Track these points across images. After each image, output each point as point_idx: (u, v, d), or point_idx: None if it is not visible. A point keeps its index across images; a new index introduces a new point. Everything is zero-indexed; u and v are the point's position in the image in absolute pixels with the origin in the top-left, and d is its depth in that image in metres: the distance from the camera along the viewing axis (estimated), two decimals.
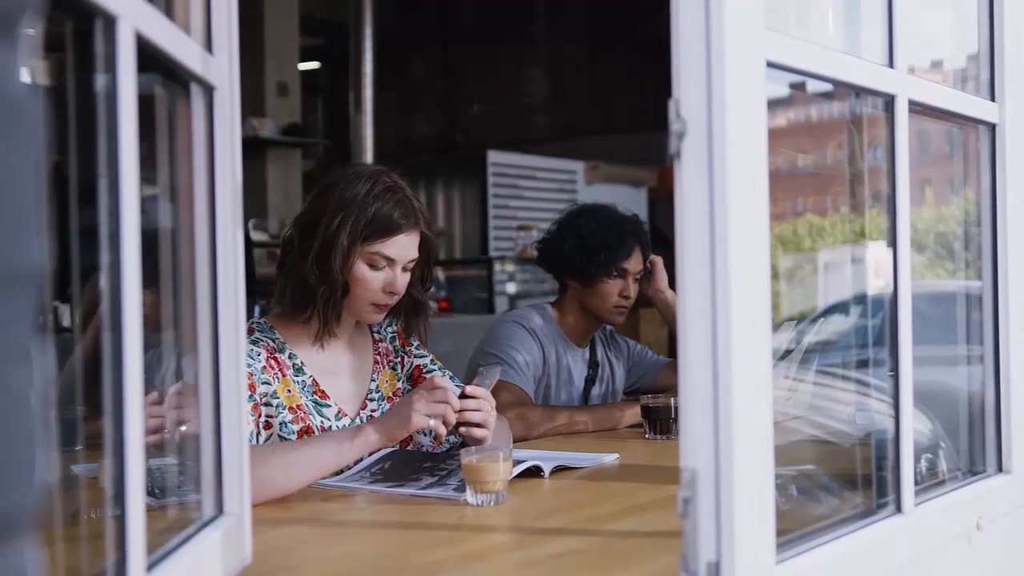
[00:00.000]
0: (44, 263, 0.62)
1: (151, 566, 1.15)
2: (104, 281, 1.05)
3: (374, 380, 2.47)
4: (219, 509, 1.44)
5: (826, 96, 1.83)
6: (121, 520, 1.06)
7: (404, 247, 2.33)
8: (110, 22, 1.05)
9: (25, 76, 0.61)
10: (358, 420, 2.38)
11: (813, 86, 1.65)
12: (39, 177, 0.61)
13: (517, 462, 2.14)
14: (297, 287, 2.32)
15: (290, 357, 2.34)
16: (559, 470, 2.29)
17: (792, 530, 1.40)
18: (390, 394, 2.48)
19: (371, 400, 2.44)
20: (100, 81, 1.07)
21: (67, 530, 1.26)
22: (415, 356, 2.57)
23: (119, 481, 1.05)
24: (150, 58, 1.17)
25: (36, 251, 0.60)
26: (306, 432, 2.27)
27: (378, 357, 2.50)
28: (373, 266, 2.31)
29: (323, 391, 2.35)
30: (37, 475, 0.61)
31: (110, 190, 1.06)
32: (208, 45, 1.42)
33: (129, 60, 1.07)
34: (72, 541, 1.27)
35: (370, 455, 2.26)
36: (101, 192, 1.06)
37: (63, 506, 1.28)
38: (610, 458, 2.47)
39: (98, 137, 1.07)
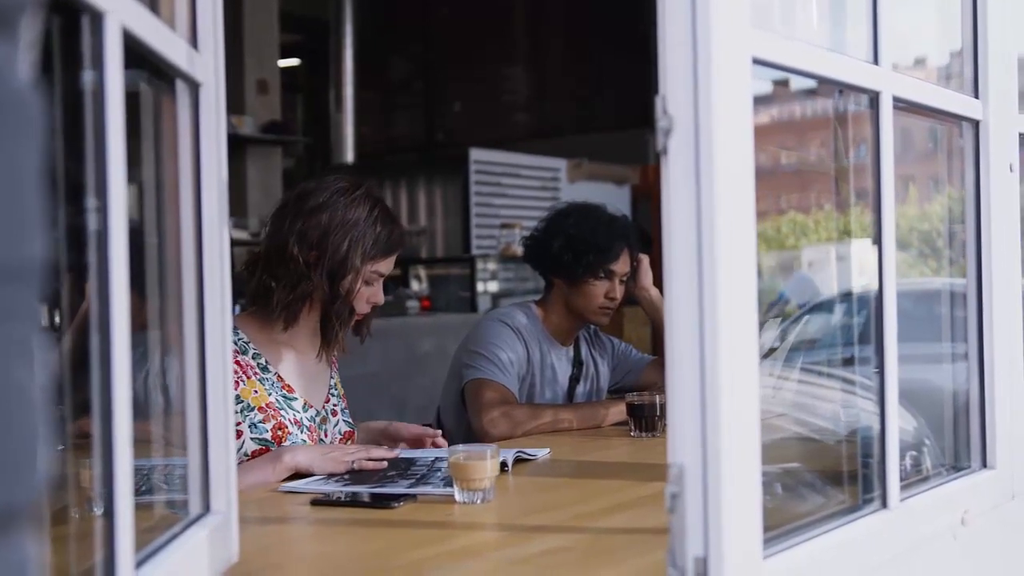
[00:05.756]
0: (45, 258, 0.62)
1: (139, 564, 1.14)
2: (91, 280, 1.05)
3: (332, 378, 2.60)
4: (206, 507, 1.44)
5: (809, 93, 1.84)
6: (109, 518, 1.05)
7: (393, 263, 2.50)
8: (97, 17, 1.04)
9: (25, 72, 0.61)
10: (323, 412, 2.51)
11: (796, 83, 1.65)
12: (40, 172, 0.61)
13: None
14: (300, 301, 2.39)
15: (254, 357, 2.42)
16: (518, 462, 2.35)
17: (779, 525, 1.40)
18: (342, 393, 2.63)
19: (332, 395, 2.57)
20: (87, 77, 1.06)
21: (53, 528, 1.26)
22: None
23: (108, 480, 1.05)
24: (135, 54, 1.17)
25: (38, 246, 0.61)
26: (279, 428, 2.36)
27: (333, 359, 2.62)
28: (367, 283, 2.44)
29: (289, 385, 2.44)
30: (39, 470, 0.61)
31: (97, 188, 1.06)
32: (194, 41, 1.42)
33: (116, 56, 1.06)
34: (56, 539, 1.26)
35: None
36: (87, 190, 1.06)
37: (48, 505, 1.27)
38: (542, 452, 2.51)
39: (84, 134, 1.06)
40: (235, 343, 2.37)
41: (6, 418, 0.58)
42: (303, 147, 9.39)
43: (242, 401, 2.33)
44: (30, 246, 0.60)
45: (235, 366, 2.32)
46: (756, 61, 1.31)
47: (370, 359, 5.56)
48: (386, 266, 2.46)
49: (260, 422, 2.34)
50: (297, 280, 2.37)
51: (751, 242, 1.28)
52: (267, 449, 2.32)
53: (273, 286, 2.38)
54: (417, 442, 2.54)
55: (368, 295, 2.44)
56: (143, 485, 1.41)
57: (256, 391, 2.37)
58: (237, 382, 2.32)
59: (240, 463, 2.22)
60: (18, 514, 0.60)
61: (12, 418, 0.58)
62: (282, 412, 2.38)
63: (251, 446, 2.32)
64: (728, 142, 1.24)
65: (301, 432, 2.40)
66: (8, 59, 0.59)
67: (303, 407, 2.44)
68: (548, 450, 2.52)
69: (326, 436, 2.49)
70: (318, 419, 2.48)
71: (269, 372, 2.41)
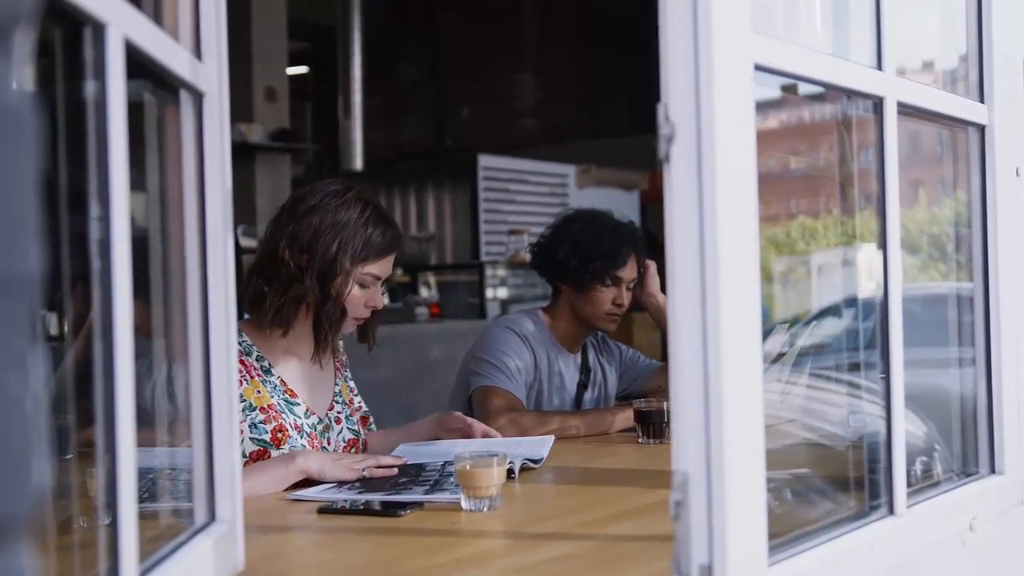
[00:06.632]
0: (40, 270, 0.62)
1: (143, 573, 1.14)
2: (95, 289, 1.05)
3: (337, 385, 2.59)
4: (211, 516, 1.44)
5: (819, 98, 1.83)
6: (113, 527, 1.05)
7: (390, 266, 2.49)
8: (99, 29, 1.05)
9: (20, 83, 0.62)
10: (326, 419, 2.50)
11: (805, 88, 1.65)
12: (35, 184, 0.61)
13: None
14: (293, 304, 2.39)
15: (258, 360, 2.42)
16: (524, 469, 2.34)
17: (785, 532, 1.40)
18: (348, 400, 2.61)
19: (336, 402, 2.57)
20: (89, 88, 1.07)
21: (59, 537, 1.26)
22: (350, 380, 2.68)
23: (111, 489, 1.05)
24: (139, 65, 1.17)
25: (32, 258, 0.61)
26: (279, 430, 2.36)
27: (338, 365, 2.62)
28: (362, 285, 2.43)
29: (292, 390, 2.45)
30: (34, 481, 0.61)
31: (100, 197, 1.06)
32: (197, 51, 1.42)
33: (118, 67, 1.07)
34: (62, 548, 1.27)
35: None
36: (91, 199, 1.06)
37: (54, 514, 1.28)
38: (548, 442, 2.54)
39: (87, 144, 1.07)
40: (239, 345, 2.37)
41: (1, 430, 0.58)
42: (312, 154, 9.39)
43: (244, 400, 2.33)
44: (26, 259, 0.60)
45: (239, 366, 2.33)
46: (758, 67, 1.31)
47: (380, 366, 5.56)
48: (379, 268, 2.44)
49: (261, 422, 2.34)
50: (288, 283, 2.37)
51: (753, 248, 1.28)
52: (266, 451, 2.32)
53: (266, 291, 2.38)
54: (466, 433, 2.57)
55: (365, 299, 2.44)
56: (147, 492, 1.41)
57: (259, 391, 2.37)
58: (240, 381, 2.32)
59: (244, 464, 2.22)
60: (14, 525, 0.60)
61: (6, 430, 0.59)
62: (283, 415, 2.38)
63: (250, 446, 2.32)
64: (730, 148, 1.24)
65: (301, 437, 2.39)
66: (3, 72, 0.59)
67: (305, 413, 2.44)
68: (552, 437, 2.56)
69: (329, 444, 2.49)
70: (320, 426, 2.47)
71: (272, 375, 2.42)
